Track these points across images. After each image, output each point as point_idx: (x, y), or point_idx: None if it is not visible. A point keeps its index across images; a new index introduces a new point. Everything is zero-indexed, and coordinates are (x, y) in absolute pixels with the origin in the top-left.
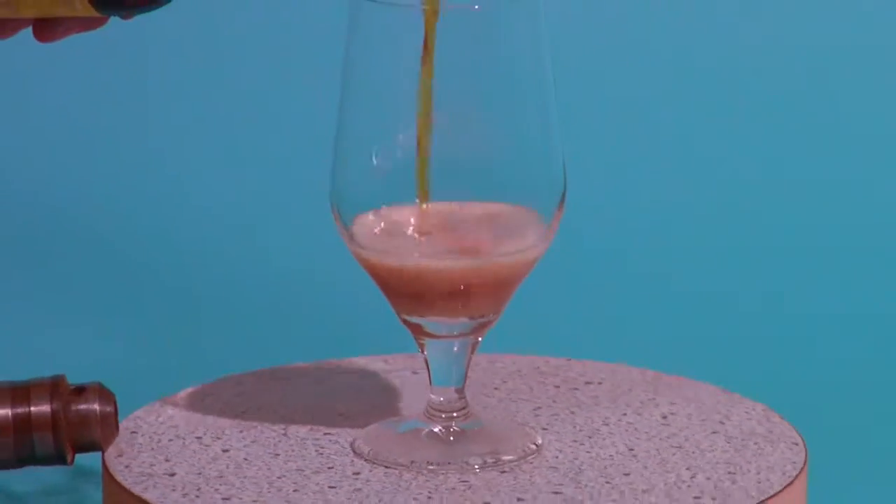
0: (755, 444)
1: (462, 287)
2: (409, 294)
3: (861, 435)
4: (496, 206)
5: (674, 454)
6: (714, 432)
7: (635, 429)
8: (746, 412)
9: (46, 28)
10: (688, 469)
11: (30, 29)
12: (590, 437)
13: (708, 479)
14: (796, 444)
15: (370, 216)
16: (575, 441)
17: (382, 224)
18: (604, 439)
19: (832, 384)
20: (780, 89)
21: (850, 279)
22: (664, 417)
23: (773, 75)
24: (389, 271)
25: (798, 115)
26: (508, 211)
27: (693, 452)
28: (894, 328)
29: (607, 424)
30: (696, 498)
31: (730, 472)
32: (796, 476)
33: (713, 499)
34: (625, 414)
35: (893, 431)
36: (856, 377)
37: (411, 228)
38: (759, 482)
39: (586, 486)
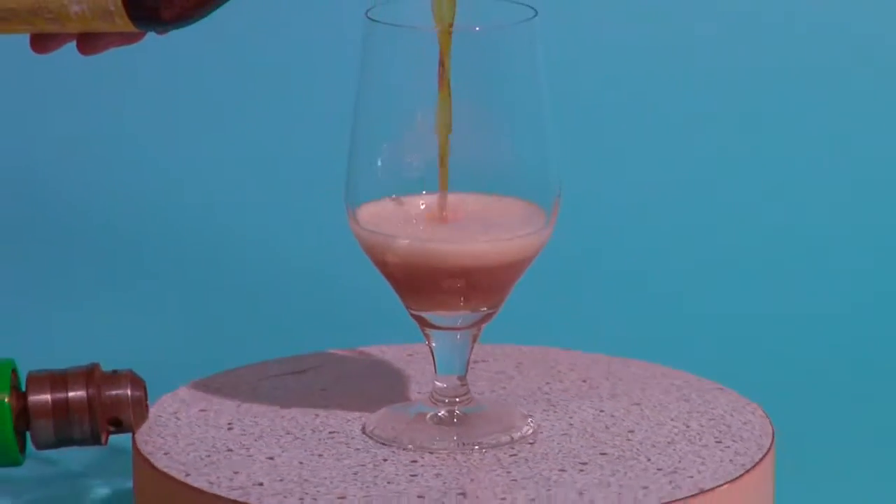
0: (696, 395)
1: (461, 277)
2: (411, 280)
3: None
4: (495, 197)
5: (642, 410)
6: (645, 388)
7: (577, 395)
8: (650, 370)
9: (89, 42)
10: (673, 420)
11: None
12: (553, 407)
13: (701, 426)
14: (721, 389)
15: (376, 203)
16: (545, 412)
17: (386, 209)
18: (566, 406)
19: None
20: (765, 92)
21: (802, 278)
22: (584, 381)
23: (761, 81)
24: (395, 258)
25: (774, 115)
26: (506, 202)
27: (656, 407)
28: (855, 325)
29: (548, 394)
30: (717, 442)
31: (711, 419)
32: (768, 417)
33: (734, 441)
34: (548, 383)
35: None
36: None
37: (414, 212)
38: (746, 423)
39: (615, 445)
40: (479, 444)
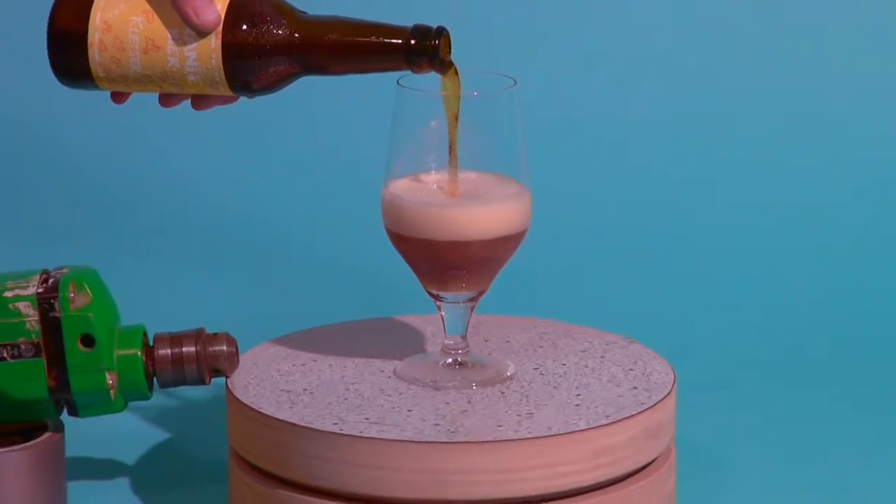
0: (621, 353)
1: (463, 246)
2: (422, 250)
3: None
4: (487, 175)
5: (585, 352)
6: (571, 338)
7: (543, 350)
8: (588, 333)
9: (200, 101)
10: (598, 367)
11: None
12: (525, 358)
13: (624, 375)
14: (642, 347)
15: (402, 179)
16: (520, 361)
17: (409, 180)
18: (532, 358)
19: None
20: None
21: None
22: (547, 340)
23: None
24: (410, 224)
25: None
26: (496, 177)
27: (590, 357)
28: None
29: (520, 346)
30: (640, 382)
31: (631, 369)
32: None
33: (648, 386)
34: (521, 340)
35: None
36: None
37: (428, 187)
38: (656, 370)
39: (594, 372)
40: (475, 382)
